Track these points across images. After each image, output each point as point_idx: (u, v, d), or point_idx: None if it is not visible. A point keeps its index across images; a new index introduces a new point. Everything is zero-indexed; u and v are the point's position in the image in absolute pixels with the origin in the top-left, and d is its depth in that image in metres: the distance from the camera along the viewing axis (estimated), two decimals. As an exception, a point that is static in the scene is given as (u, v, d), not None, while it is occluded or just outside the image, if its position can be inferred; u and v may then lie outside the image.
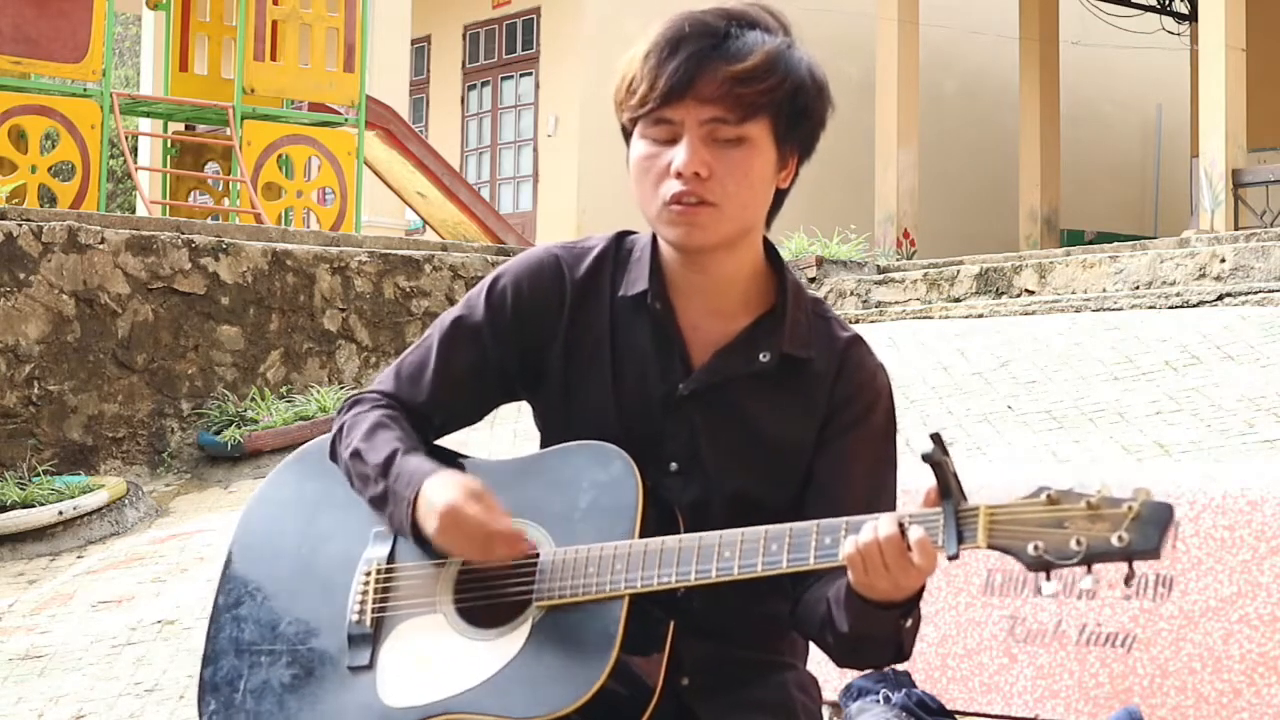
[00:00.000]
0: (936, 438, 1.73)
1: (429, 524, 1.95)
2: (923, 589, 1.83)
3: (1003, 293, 9.43)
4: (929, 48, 15.33)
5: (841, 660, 1.98)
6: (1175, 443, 5.72)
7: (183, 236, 8.49)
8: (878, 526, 1.78)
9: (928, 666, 2.92)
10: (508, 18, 16.53)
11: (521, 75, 16.36)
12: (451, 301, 9.22)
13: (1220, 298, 7.82)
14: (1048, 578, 1.71)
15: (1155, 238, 13.74)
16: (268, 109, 10.96)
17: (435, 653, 1.96)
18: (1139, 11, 17.69)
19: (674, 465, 2.00)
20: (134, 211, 16.72)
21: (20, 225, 7.91)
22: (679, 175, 1.91)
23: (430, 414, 2.11)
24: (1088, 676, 2.73)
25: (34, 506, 7.12)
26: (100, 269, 8.11)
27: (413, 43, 15.30)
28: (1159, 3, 17.85)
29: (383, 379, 2.15)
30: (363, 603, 2.03)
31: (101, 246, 8.14)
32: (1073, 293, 8.97)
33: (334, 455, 2.11)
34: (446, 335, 2.10)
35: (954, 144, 17.15)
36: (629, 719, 1.87)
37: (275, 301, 8.71)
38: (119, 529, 7.22)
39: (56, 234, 8.00)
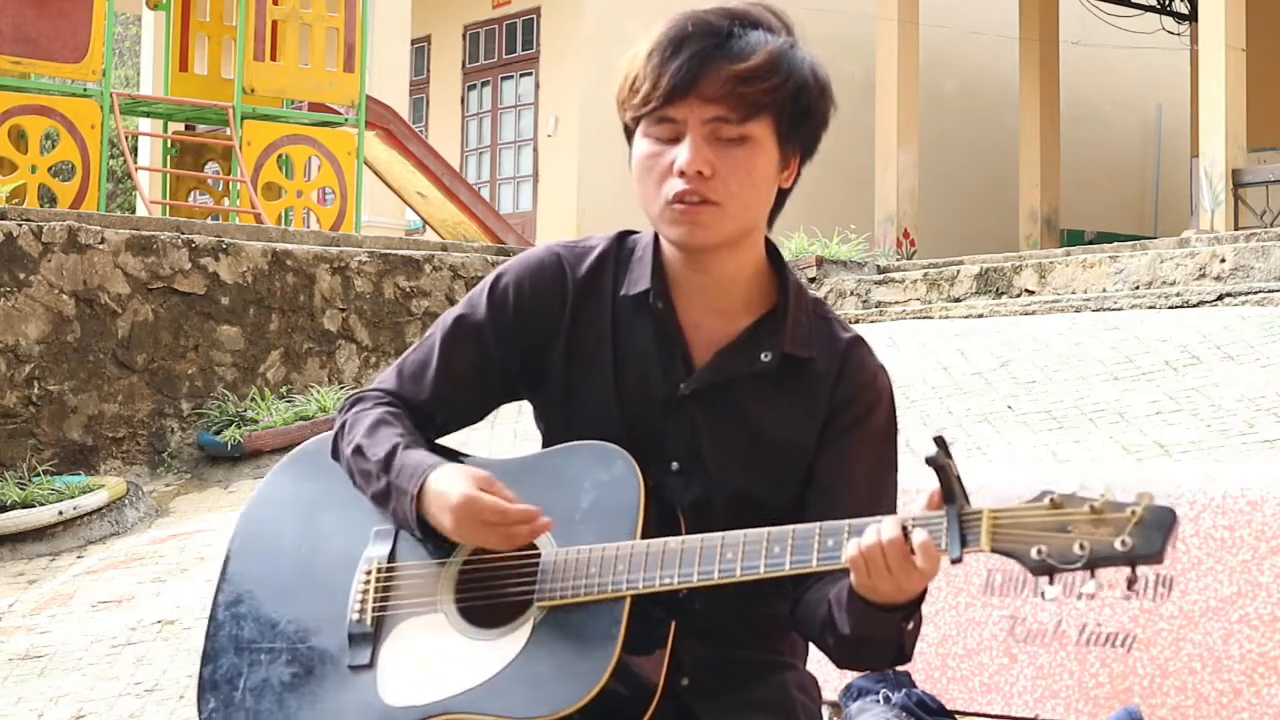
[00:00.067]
0: (940, 441, 1.73)
1: (444, 519, 1.93)
2: (925, 592, 1.83)
3: (1003, 293, 9.44)
4: (929, 48, 15.33)
5: (842, 662, 1.98)
6: (1175, 443, 5.72)
7: (183, 236, 8.49)
8: (881, 529, 1.78)
9: (928, 666, 2.92)
10: (508, 18, 16.53)
11: (521, 75, 16.36)
12: (451, 301, 9.22)
13: (1220, 298, 7.83)
14: (1051, 581, 1.71)
15: (1155, 238, 13.75)
16: (268, 109, 10.96)
17: (436, 652, 1.96)
18: (1139, 11, 17.69)
19: (675, 465, 2.00)
20: (134, 211, 16.72)
21: (20, 225, 7.91)
22: (682, 174, 1.92)
23: (432, 412, 2.11)
24: (1088, 676, 2.73)
25: (34, 506, 7.12)
26: (100, 269, 8.11)
27: (413, 43, 15.30)
28: (1159, 3, 17.86)
29: (385, 377, 2.15)
30: (363, 601, 2.03)
31: (101, 246, 8.14)
32: (1073, 293, 8.97)
33: (335, 453, 2.11)
34: (449, 334, 2.10)
35: (954, 144, 17.15)
36: (630, 719, 1.88)
37: (275, 301, 8.71)
38: (119, 529, 7.22)
39: (56, 234, 8.00)
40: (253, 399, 8.37)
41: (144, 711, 4.78)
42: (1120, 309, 8.14)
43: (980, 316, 8.70)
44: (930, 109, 15.70)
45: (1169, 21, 17.67)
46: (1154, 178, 19.37)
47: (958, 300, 9.50)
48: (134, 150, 13.01)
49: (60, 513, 7.09)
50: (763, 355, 2.01)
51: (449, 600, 1.99)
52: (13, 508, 7.10)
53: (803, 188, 2.07)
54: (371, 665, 1.99)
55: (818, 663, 2.09)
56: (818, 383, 2.02)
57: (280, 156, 10.82)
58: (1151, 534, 1.66)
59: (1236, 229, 11.38)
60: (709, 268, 2.01)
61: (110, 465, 7.99)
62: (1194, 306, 7.85)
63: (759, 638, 2.03)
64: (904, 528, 1.77)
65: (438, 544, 2.01)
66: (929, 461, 1.73)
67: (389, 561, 2.04)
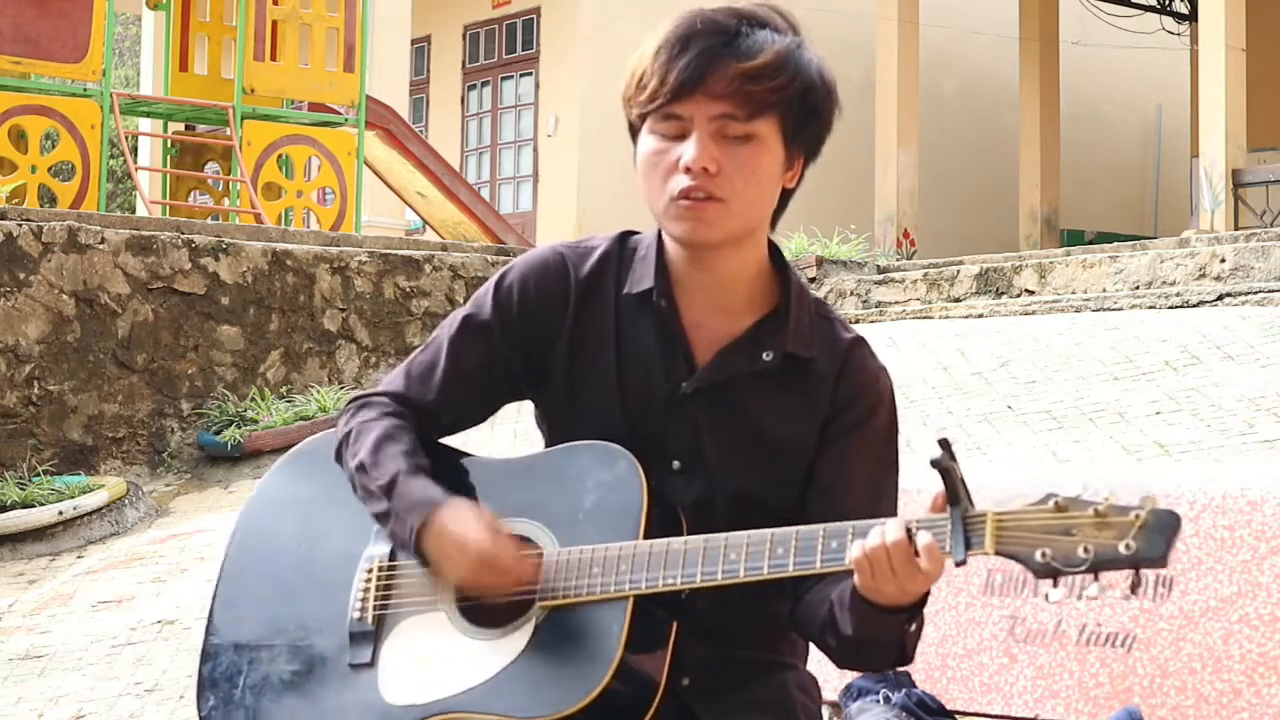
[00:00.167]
0: (945, 443, 1.74)
1: (454, 567, 1.93)
2: (928, 594, 1.84)
3: (1003, 293, 9.44)
4: (929, 48, 15.33)
5: (843, 662, 1.98)
6: (1175, 443, 5.72)
7: (183, 236, 8.49)
8: (885, 531, 1.78)
9: (928, 666, 2.92)
10: (508, 18, 16.53)
11: (521, 75, 16.36)
12: (451, 301, 9.22)
13: (1220, 298, 7.83)
14: (1055, 584, 1.72)
15: (1155, 238, 13.74)
16: (268, 109, 10.96)
17: (437, 651, 1.96)
18: (1139, 11, 17.69)
19: (677, 464, 2.00)
20: (134, 211, 16.72)
21: (20, 225, 7.91)
22: (687, 170, 1.92)
23: (439, 413, 2.11)
24: (1088, 676, 2.73)
25: (34, 506, 7.12)
26: (100, 269, 8.11)
27: (413, 43, 15.30)
28: (1159, 3, 17.85)
29: (393, 379, 2.14)
30: (364, 600, 2.03)
31: (101, 246, 8.14)
32: (1073, 293, 8.97)
33: (339, 458, 2.11)
34: (456, 334, 2.10)
35: (954, 144, 17.15)
36: (631, 719, 1.88)
37: (275, 301, 8.71)
38: (119, 529, 7.22)
39: (56, 234, 8.00)
40: (253, 399, 8.37)
41: (144, 711, 4.78)
42: (1120, 309, 8.14)
43: (980, 316, 8.70)
44: (930, 109, 15.70)
45: (1169, 21, 17.67)
46: (1154, 178, 19.37)
47: (958, 300, 9.50)
48: (134, 150, 13.01)
49: (60, 513, 7.10)
50: (764, 354, 2.01)
51: (450, 599, 1.99)
52: (13, 508, 7.10)
53: (803, 187, 2.07)
54: (372, 664, 1.99)
55: (818, 663, 2.09)
56: (819, 383, 2.02)
57: (280, 156, 10.82)
58: (1155, 538, 1.66)
59: (1236, 229, 11.38)
60: (712, 266, 2.01)
61: (110, 465, 7.99)
62: (1194, 306, 7.85)
63: (759, 638, 2.03)
64: (908, 530, 1.77)
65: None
66: (934, 464, 1.73)
67: (390, 560, 2.04)
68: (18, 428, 7.76)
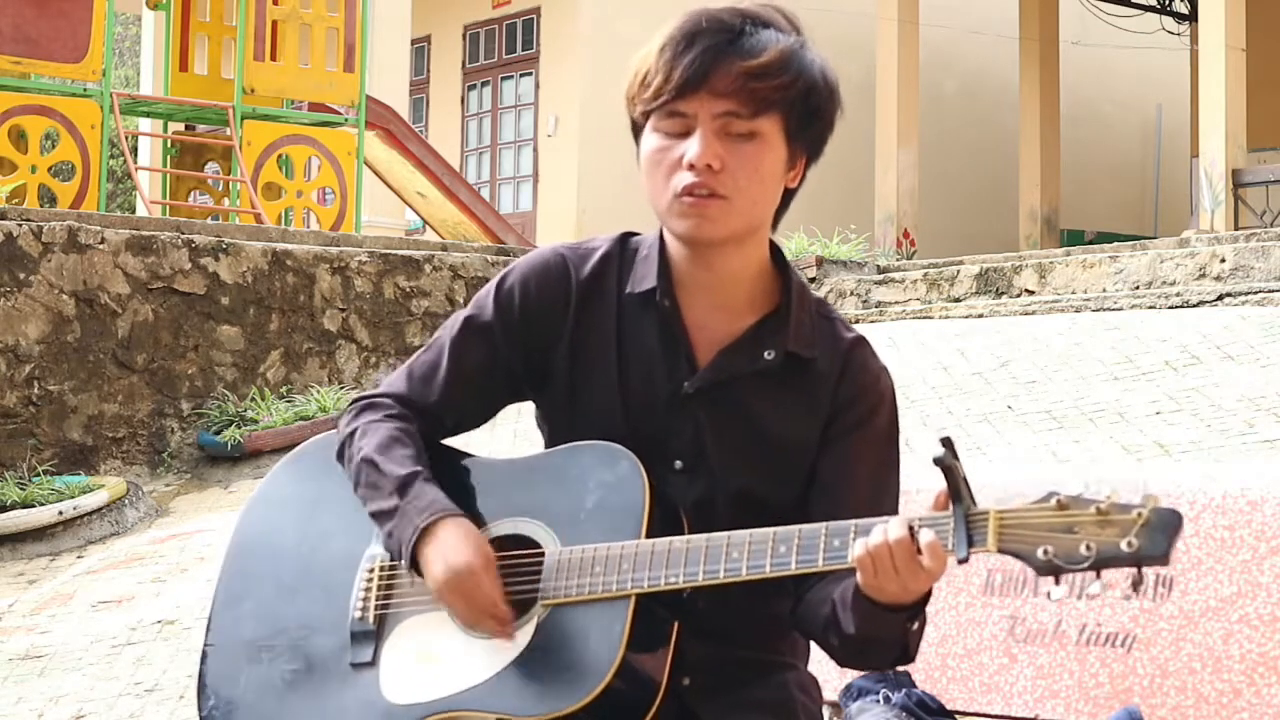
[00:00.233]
0: (947, 442, 1.74)
1: (436, 570, 1.93)
2: (930, 592, 1.84)
3: (1003, 293, 9.44)
4: (929, 48, 15.33)
5: (845, 661, 1.98)
6: (1175, 443, 5.73)
7: (183, 236, 8.49)
8: (888, 529, 1.78)
9: (928, 666, 2.93)
10: (508, 18, 16.53)
11: (521, 75, 16.36)
12: (451, 301, 9.22)
13: (1220, 298, 7.83)
14: (1057, 582, 1.72)
15: (1155, 238, 13.75)
16: (268, 109, 10.96)
17: (439, 650, 1.96)
18: (1139, 11, 17.69)
19: (679, 463, 2.00)
20: (134, 211, 16.72)
21: (20, 225, 7.91)
22: (691, 167, 1.93)
23: (442, 415, 2.11)
24: (1088, 676, 2.73)
25: (34, 506, 7.12)
26: (100, 269, 8.11)
27: (413, 43, 15.30)
28: (1159, 3, 17.86)
29: (395, 380, 2.14)
30: (365, 599, 2.04)
31: (101, 246, 8.14)
32: (1073, 293, 8.97)
33: (340, 456, 2.11)
34: (457, 336, 2.10)
35: (954, 144, 17.15)
36: (632, 718, 1.88)
37: (275, 301, 8.71)
38: (119, 529, 7.22)
39: (56, 234, 8.00)
40: (253, 399, 8.37)
41: (144, 711, 4.79)
42: (1120, 309, 8.14)
43: (980, 316, 8.70)
44: (930, 109, 15.70)
45: (1169, 21, 17.67)
46: (1154, 178, 19.37)
47: (958, 300, 9.50)
48: (134, 150, 13.01)
49: (60, 513, 7.09)
50: (766, 354, 2.01)
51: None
52: (13, 508, 7.10)
53: (803, 187, 2.08)
54: (374, 663, 2.00)
55: (818, 662, 2.09)
56: (820, 382, 2.02)
57: (280, 156, 10.82)
58: (1157, 536, 1.67)
59: (1236, 229, 11.38)
60: (714, 265, 2.01)
61: (110, 465, 7.99)
62: (1194, 306, 7.85)
63: (760, 638, 2.03)
64: (911, 528, 1.77)
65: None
66: (936, 462, 1.74)
67: (391, 560, 2.04)
68: (18, 428, 7.76)
